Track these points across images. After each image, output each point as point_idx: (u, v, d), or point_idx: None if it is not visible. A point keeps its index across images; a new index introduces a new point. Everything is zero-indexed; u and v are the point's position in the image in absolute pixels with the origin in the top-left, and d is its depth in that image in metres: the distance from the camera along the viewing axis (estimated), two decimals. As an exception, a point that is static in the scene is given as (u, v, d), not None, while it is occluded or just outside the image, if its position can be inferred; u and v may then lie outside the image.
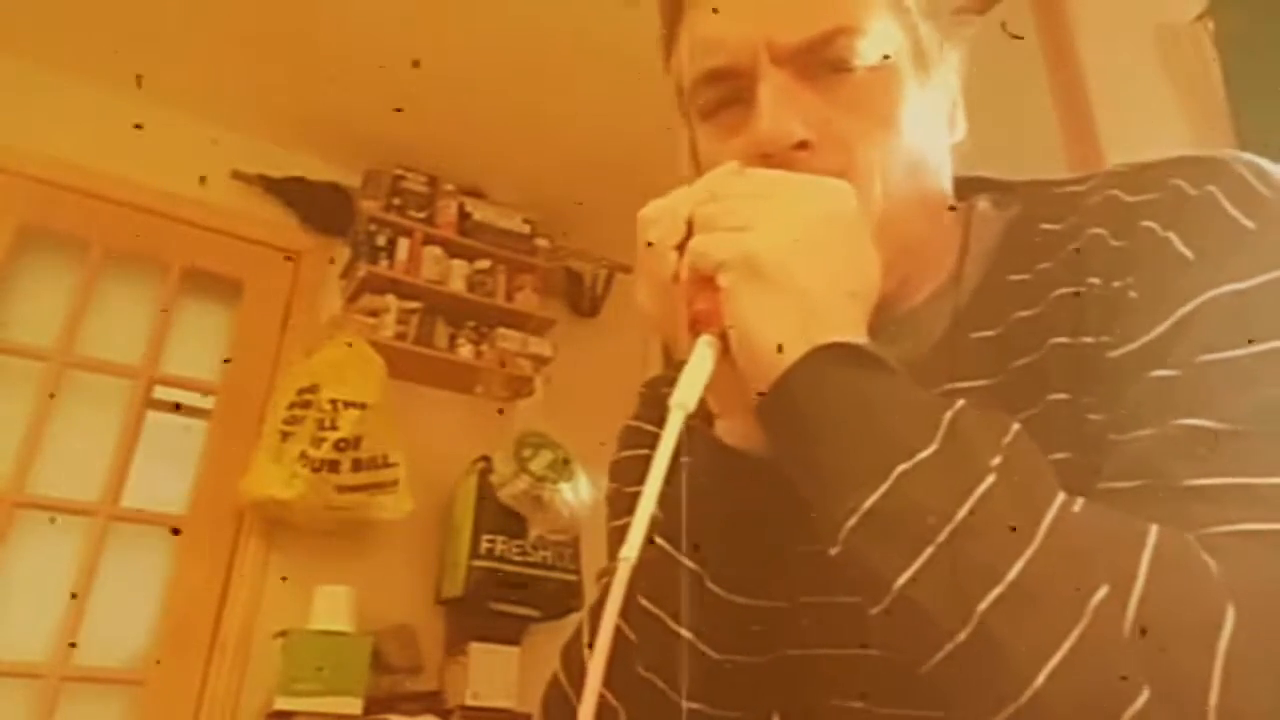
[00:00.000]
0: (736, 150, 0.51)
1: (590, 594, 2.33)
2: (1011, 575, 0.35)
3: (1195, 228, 0.45)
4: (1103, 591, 0.35)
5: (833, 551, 0.40)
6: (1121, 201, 0.49)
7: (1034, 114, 1.65)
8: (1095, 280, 0.47)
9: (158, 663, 2.12)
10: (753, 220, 0.45)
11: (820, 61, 0.51)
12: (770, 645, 0.49)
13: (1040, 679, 0.34)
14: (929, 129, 0.54)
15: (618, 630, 0.39)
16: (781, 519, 0.47)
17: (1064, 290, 0.49)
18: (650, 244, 0.48)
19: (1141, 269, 0.46)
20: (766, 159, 0.50)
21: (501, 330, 2.65)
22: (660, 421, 0.63)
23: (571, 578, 2.38)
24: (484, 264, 2.67)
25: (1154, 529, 0.36)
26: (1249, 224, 0.45)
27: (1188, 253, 0.45)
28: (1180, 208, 0.46)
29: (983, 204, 0.59)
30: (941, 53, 0.56)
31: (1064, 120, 1.61)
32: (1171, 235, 0.46)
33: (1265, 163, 0.48)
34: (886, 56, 0.51)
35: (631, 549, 0.40)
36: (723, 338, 0.45)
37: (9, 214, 2.23)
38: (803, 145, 0.50)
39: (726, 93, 0.53)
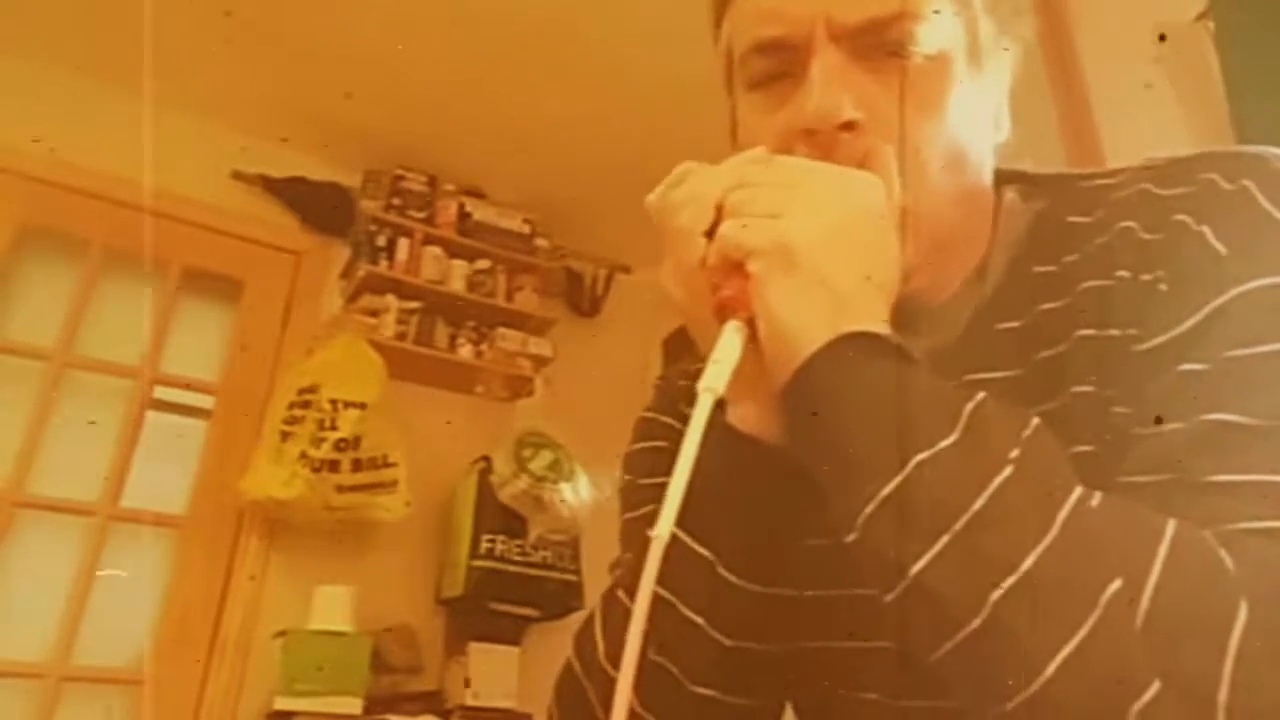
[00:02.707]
0: (780, 124, 0.51)
1: (591, 593, 2.34)
2: (1025, 566, 0.36)
3: (1229, 222, 0.45)
4: (1116, 585, 0.35)
5: (849, 539, 0.40)
6: (1153, 195, 0.49)
7: (1034, 114, 1.65)
8: (1124, 273, 0.47)
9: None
10: (784, 208, 0.45)
11: (877, 44, 0.50)
12: (783, 633, 0.50)
13: (1051, 669, 0.34)
14: (975, 124, 0.54)
15: (631, 617, 0.40)
16: (794, 507, 0.47)
17: (1092, 283, 0.49)
18: (678, 229, 0.48)
19: (1173, 262, 0.46)
20: (811, 135, 0.50)
21: (501, 330, 2.65)
22: (676, 415, 0.63)
23: (571, 578, 2.38)
24: (484, 264, 2.67)
25: (1171, 524, 0.37)
26: None
27: (1221, 247, 0.45)
28: (1214, 202, 0.46)
29: (1010, 196, 0.58)
30: (996, 48, 0.56)
31: (1064, 120, 1.61)
32: (1205, 229, 0.45)
33: None
34: (943, 47, 0.51)
35: (665, 526, 0.41)
36: (750, 324, 0.45)
37: (9, 214, 2.23)
38: (849, 125, 0.49)
39: (777, 65, 0.52)
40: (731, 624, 0.48)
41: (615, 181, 2.55)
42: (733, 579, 0.47)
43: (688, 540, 0.48)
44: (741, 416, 0.48)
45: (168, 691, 2.11)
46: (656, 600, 0.47)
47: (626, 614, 0.41)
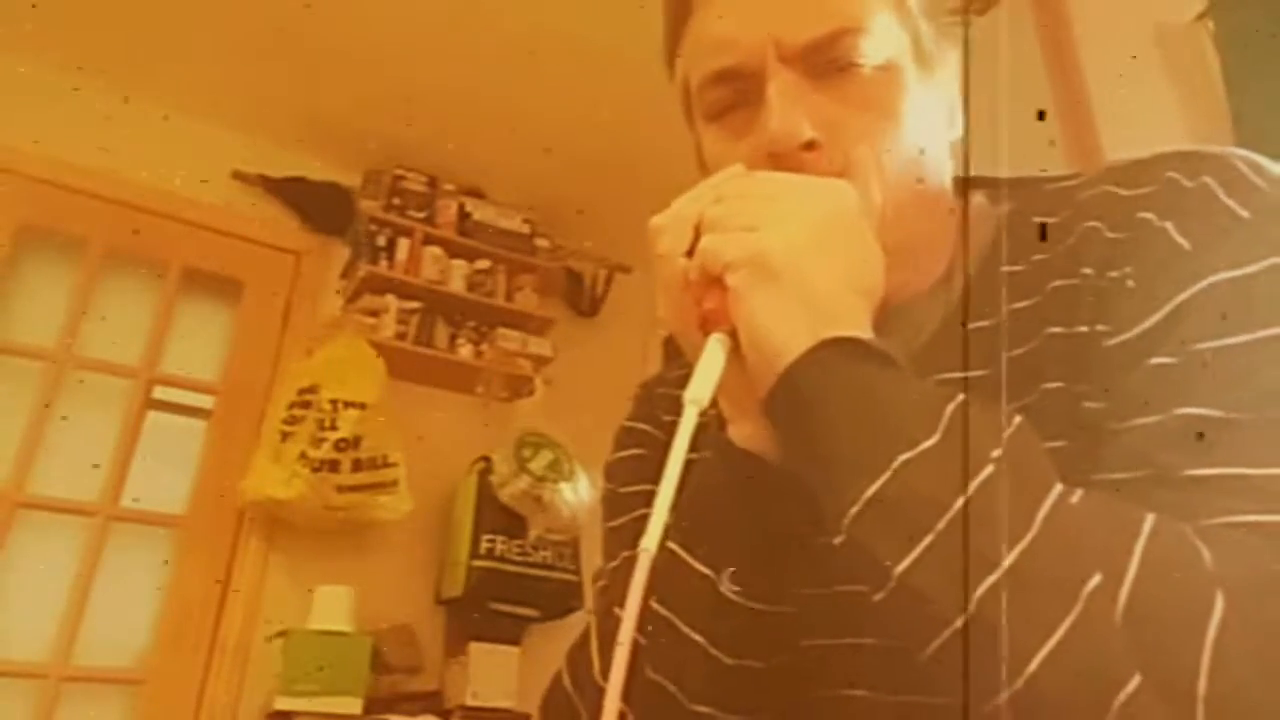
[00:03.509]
0: (744, 151, 0.52)
1: (591, 594, 2.34)
2: (1007, 563, 0.36)
3: (1191, 217, 0.46)
4: (1096, 579, 0.35)
5: (836, 540, 0.41)
6: (1117, 195, 0.50)
7: (1034, 114, 1.65)
8: (1089, 271, 0.48)
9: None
10: (760, 220, 0.45)
11: (827, 61, 0.51)
12: (783, 649, 0.50)
13: (1034, 665, 0.35)
14: (930, 127, 0.55)
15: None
16: (797, 524, 0.47)
17: (1059, 281, 0.50)
18: (661, 251, 0.48)
19: (1139, 259, 0.47)
20: (775, 159, 0.50)
21: (501, 330, 2.65)
22: (655, 423, 0.64)
23: (571, 578, 2.38)
24: (484, 264, 2.68)
25: (1150, 518, 0.37)
26: (1244, 213, 0.45)
27: (1184, 242, 0.45)
28: (1176, 199, 0.47)
29: (977, 199, 0.59)
30: (940, 51, 0.57)
31: (1064, 120, 1.61)
32: (1168, 225, 0.46)
33: (1259, 157, 0.49)
34: (890, 56, 0.52)
35: (651, 540, 0.41)
36: (733, 336, 0.45)
37: (9, 214, 2.23)
38: (811, 145, 0.50)
39: (734, 94, 0.53)
40: (732, 642, 0.48)
41: (615, 181, 2.55)
42: (734, 597, 0.47)
43: (688, 558, 0.48)
44: (741, 433, 0.48)
45: (168, 691, 2.11)
46: (656, 619, 0.48)
47: None
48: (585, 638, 0.54)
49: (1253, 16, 1.45)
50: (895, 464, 0.39)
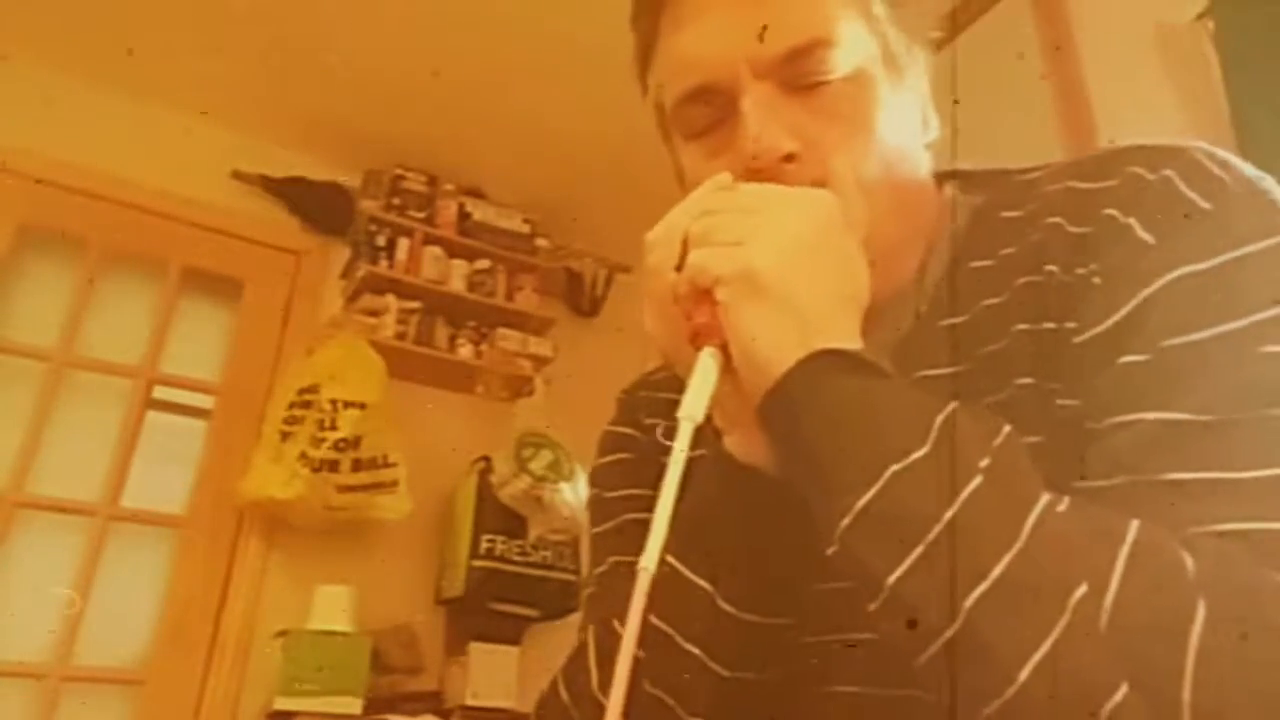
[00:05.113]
0: (723, 167, 0.52)
1: (590, 594, 2.34)
2: (996, 573, 0.37)
3: (1154, 212, 0.46)
4: (1082, 589, 0.35)
5: (830, 551, 0.41)
6: (1078, 190, 0.50)
7: (1034, 114, 1.65)
8: (1053, 268, 0.49)
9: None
10: (746, 234, 0.46)
11: (799, 73, 0.52)
12: (781, 662, 0.50)
13: (1024, 674, 0.35)
14: (904, 131, 0.56)
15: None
16: (794, 536, 0.47)
17: (1026, 278, 0.50)
18: (651, 264, 0.49)
19: (1104, 255, 0.47)
20: (756, 172, 0.51)
21: (501, 330, 2.65)
22: (638, 426, 0.64)
23: (571, 578, 2.38)
24: (484, 264, 2.68)
25: (1134, 526, 0.37)
26: (1206, 205, 0.46)
27: (1148, 237, 0.46)
28: (1139, 193, 0.47)
29: (949, 192, 0.60)
30: (910, 56, 0.57)
31: (1064, 120, 1.61)
32: (1132, 221, 0.46)
33: (1221, 151, 0.49)
34: (860, 64, 0.53)
35: (650, 559, 0.41)
36: (724, 350, 0.46)
37: (9, 214, 2.23)
38: (790, 157, 0.51)
39: (709, 111, 0.54)
40: (730, 655, 0.48)
41: (615, 181, 2.55)
42: (732, 611, 0.48)
43: (686, 572, 0.48)
44: (737, 445, 0.48)
45: (168, 691, 2.11)
46: (654, 632, 0.48)
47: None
48: (582, 649, 0.54)
49: (1253, 16, 1.45)
50: (886, 475, 0.40)
